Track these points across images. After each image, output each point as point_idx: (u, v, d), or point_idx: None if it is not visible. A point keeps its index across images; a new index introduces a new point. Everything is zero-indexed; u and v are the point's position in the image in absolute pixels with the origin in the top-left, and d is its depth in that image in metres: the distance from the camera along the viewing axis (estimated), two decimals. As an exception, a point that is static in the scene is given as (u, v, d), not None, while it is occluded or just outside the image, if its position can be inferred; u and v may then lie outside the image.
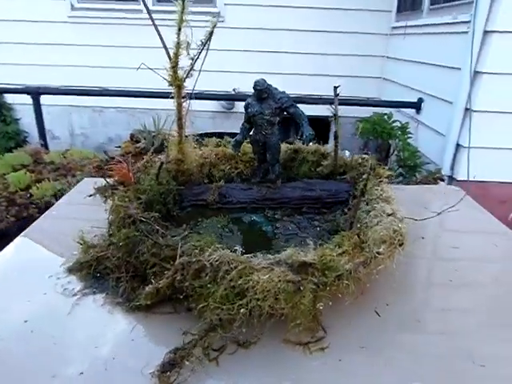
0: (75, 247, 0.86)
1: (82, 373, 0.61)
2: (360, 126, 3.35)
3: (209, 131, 4.54)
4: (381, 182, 1.01)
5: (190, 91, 1.01)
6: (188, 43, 0.91)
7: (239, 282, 0.65)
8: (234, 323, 0.63)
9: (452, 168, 3.13)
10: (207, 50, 0.96)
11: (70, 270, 0.83)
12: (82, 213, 1.04)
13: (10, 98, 4.36)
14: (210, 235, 0.78)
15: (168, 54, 0.95)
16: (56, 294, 0.78)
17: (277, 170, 1.10)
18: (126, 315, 0.73)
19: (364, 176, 0.75)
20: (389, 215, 0.80)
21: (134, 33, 3.93)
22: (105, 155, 3.58)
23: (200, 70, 0.97)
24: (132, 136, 3.71)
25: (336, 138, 1.06)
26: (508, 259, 0.97)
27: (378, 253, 0.70)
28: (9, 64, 4.24)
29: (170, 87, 0.98)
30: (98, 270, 0.82)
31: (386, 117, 3.38)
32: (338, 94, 1.03)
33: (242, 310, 0.63)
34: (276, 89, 1.05)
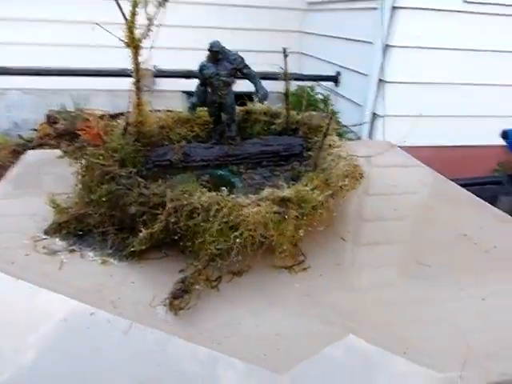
0: (43, 215, 0.85)
1: (92, 313, 0.64)
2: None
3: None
4: (329, 134, 1.13)
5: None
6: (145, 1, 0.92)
7: (231, 217, 0.72)
8: (232, 252, 0.70)
9: (370, 136, 3.45)
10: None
11: (47, 232, 0.83)
12: (40, 183, 1.02)
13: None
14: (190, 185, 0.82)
15: (122, 12, 0.95)
16: (40, 255, 0.77)
17: (234, 130, 1.17)
18: (120, 264, 0.76)
19: (326, 121, 0.85)
20: (344, 158, 0.92)
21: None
22: (20, 139, 3.30)
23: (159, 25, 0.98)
24: (49, 117, 3.45)
25: (287, 97, 1.16)
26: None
27: (344, 185, 0.82)
28: None
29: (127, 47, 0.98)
30: (78, 229, 0.82)
31: (308, 89, 3.58)
32: (287, 55, 1.11)
33: (237, 240, 0.70)
34: (229, 50, 1.11)
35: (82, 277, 0.73)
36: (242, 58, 1.10)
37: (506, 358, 0.60)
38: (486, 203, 1.04)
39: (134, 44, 0.97)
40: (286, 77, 1.13)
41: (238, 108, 1.26)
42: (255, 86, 1.13)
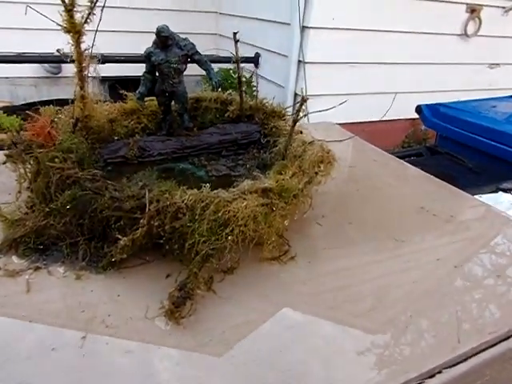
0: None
1: (84, 337, 0.57)
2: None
3: (34, 100, 3.93)
4: (283, 120, 1.14)
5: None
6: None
7: (219, 215, 0.69)
8: (226, 251, 0.67)
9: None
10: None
11: (0, 251, 0.72)
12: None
13: None
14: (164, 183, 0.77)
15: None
16: (5, 279, 0.66)
17: (187, 120, 1.11)
18: (99, 276, 0.69)
19: (297, 106, 0.85)
20: (309, 143, 0.93)
21: None
22: None
23: (103, 7, 0.88)
24: None
25: (240, 82, 1.13)
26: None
27: (320, 171, 0.83)
28: None
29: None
30: (38, 243, 0.72)
31: (231, 72, 3.54)
32: (237, 40, 1.08)
33: (229, 238, 0.68)
34: (178, 36, 1.04)
35: (57, 298, 0.65)
36: (193, 44, 1.04)
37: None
38: (431, 176, 1.15)
39: (75, 29, 0.87)
40: (237, 62, 1.10)
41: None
42: (208, 73, 1.08)
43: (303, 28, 3.29)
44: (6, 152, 0.75)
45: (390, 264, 0.80)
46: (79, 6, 0.84)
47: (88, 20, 0.88)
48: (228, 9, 4.19)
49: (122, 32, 3.81)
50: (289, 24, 3.32)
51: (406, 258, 0.82)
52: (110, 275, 0.69)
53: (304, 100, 0.83)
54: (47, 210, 0.72)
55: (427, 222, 0.95)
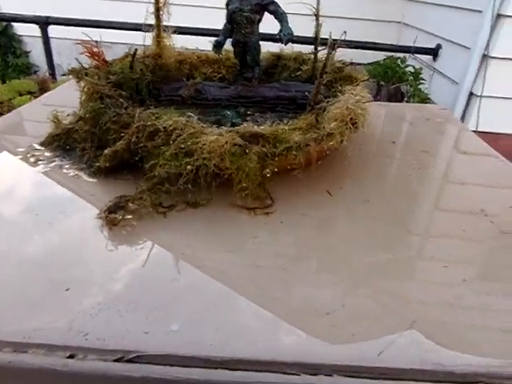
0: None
1: (37, 214, 0.66)
2: (371, 68, 3.25)
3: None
4: (357, 85, 1.00)
5: None
6: None
7: (188, 143, 0.67)
8: (181, 178, 0.66)
9: (462, 118, 3.05)
10: None
11: (42, 144, 0.87)
12: (64, 99, 1.07)
13: (19, 30, 4.32)
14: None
15: None
16: (27, 162, 0.82)
17: (256, 73, 1.10)
18: (88, 178, 0.77)
19: (324, 54, 0.75)
20: (344, 100, 0.80)
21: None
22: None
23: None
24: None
25: (316, 40, 1.05)
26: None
27: (330, 130, 0.72)
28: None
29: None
30: (67, 143, 0.85)
31: (399, 61, 3.26)
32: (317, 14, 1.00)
33: (188, 167, 0.66)
34: (258, -16, 1.03)
35: (52, 186, 0.76)
36: (269, -6, 1.01)
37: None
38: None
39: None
40: (317, 17, 1.02)
41: (269, 52, 1.18)
42: (281, 25, 1.03)
43: (498, 16, 2.76)
44: (69, 68, 0.90)
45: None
46: None
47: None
48: (416, -6, 3.83)
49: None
50: (480, 11, 2.84)
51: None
52: (97, 179, 0.77)
53: (332, 47, 0.72)
54: (77, 118, 0.84)
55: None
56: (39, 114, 0.98)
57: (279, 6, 1.03)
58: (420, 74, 3.21)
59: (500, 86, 2.76)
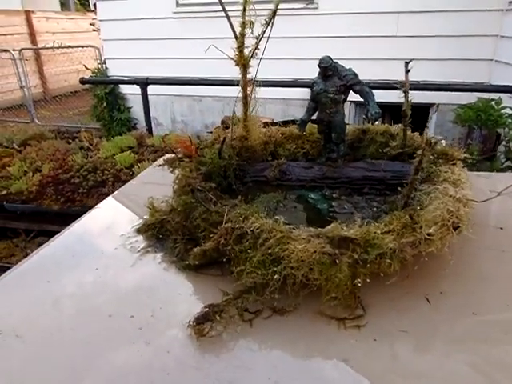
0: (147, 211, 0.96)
1: (132, 316, 0.69)
2: (461, 112, 3.04)
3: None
4: (453, 164, 0.93)
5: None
6: (252, 22, 0.94)
7: (276, 250, 0.66)
8: (268, 288, 0.65)
9: None
10: (271, 27, 0.97)
11: (139, 231, 0.93)
12: (160, 180, 1.14)
13: (123, 89, 4.88)
14: (260, 207, 0.80)
15: (235, 35, 0.99)
16: (124, 250, 0.88)
17: (342, 150, 1.08)
18: (178, 272, 0.79)
19: (419, 152, 0.70)
20: (448, 196, 0.73)
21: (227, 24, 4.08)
22: (198, 139, 3.83)
23: (264, 49, 0.99)
24: (223, 122, 3.89)
25: (405, 116, 1.00)
26: None
27: (428, 234, 0.66)
28: (122, 58, 4.75)
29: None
30: (160, 232, 0.90)
31: (493, 103, 3.01)
32: (408, 70, 0.96)
33: (275, 276, 0.65)
34: (342, 66, 1.02)
35: (143, 277, 0.80)
36: (355, 75, 1.00)
37: None
38: None
39: (242, 62, 1.00)
40: (406, 94, 0.97)
41: (354, 126, 1.16)
42: (367, 104, 1.01)
43: None
44: (165, 157, 0.97)
45: None
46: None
47: (254, 54, 1.00)
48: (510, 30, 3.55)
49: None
50: None
51: None
52: (187, 275, 0.79)
53: (429, 144, 0.67)
54: (170, 208, 0.89)
55: None
56: (138, 194, 1.07)
57: (364, 85, 1.01)
58: (518, 115, 2.92)
59: None
